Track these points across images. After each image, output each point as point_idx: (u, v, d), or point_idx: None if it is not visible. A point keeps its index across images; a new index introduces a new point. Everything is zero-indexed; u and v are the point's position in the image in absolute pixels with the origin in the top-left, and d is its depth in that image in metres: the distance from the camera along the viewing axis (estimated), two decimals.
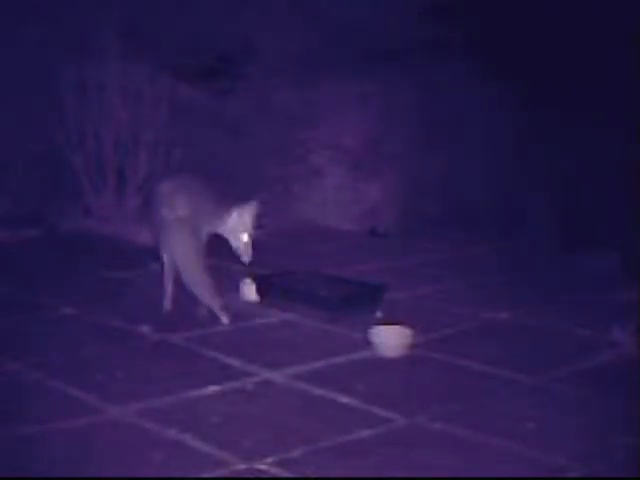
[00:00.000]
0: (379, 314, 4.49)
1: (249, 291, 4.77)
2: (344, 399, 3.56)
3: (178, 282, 4.40)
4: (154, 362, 3.88)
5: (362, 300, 4.62)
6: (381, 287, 4.69)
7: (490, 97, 6.66)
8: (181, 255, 4.32)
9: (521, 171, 6.45)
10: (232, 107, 6.70)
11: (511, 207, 6.33)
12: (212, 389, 3.61)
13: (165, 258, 4.41)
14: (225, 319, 4.33)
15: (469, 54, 6.73)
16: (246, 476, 2.96)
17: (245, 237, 4.42)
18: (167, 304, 4.45)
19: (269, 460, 3.04)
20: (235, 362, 3.90)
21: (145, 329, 4.25)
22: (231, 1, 6.75)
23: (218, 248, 5.71)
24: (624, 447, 3.20)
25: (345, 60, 6.69)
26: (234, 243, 4.47)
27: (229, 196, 4.52)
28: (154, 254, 4.48)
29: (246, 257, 4.46)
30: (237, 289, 4.79)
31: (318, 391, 3.63)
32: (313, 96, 6.76)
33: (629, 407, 3.52)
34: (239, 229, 4.44)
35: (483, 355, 4.04)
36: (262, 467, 3.01)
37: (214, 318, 4.40)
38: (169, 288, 4.44)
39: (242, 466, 3.01)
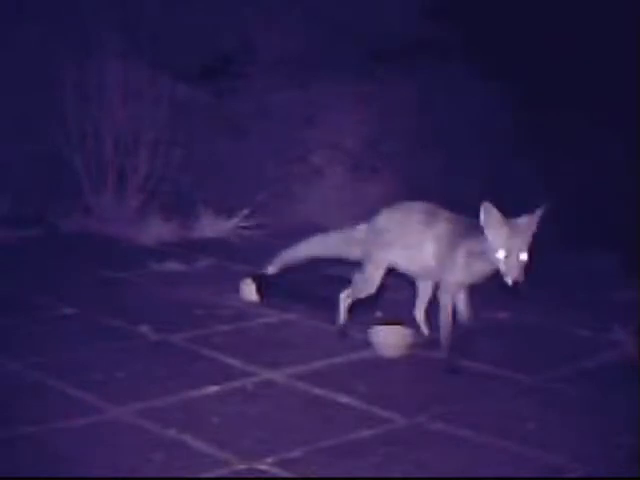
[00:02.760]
0: (379, 314, 4.49)
1: (249, 291, 4.77)
2: (344, 399, 3.56)
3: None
4: (154, 362, 3.88)
5: (362, 300, 4.61)
6: (381, 287, 4.68)
7: (490, 97, 6.66)
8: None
9: (521, 171, 6.45)
10: (232, 107, 6.70)
11: (511, 207, 6.32)
12: (212, 389, 3.61)
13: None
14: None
15: (469, 54, 6.73)
16: (246, 476, 2.97)
17: (502, 253, 3.67)
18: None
19: (269, 460, 3.04)
20: (235, 362, 3.90)
21: (145, 329, 4.25)
22: (231, 1, 6.75)
23: (217, 248, 5.74)
24: (624, 447, 3.20)
25: (345, 60, 6.69)
26: (494, 260, 3.73)
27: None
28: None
29: (509, 278, 3.68)
30: (237, 289, 4.79)
31: (318, 391, 3.63)
32: (313, 96, 6.76)
33: (629, 407, 3.52)
34: (493, 245, 3.71)
35: (483, 355, 4.03)
36: (262, 467, 3.01)
37: (214, 318, 4.42)
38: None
39: (242, 466, 3.01)
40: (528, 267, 3.71)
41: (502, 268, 3.69)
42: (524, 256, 3.70)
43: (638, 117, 5.86)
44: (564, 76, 6.32)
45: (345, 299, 4.22)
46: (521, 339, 4.34)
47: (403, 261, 4.07)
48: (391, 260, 4.09)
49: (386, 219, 4.10)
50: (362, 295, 4.18)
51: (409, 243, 4.00)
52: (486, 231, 3.73)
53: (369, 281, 4.13)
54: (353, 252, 4.21)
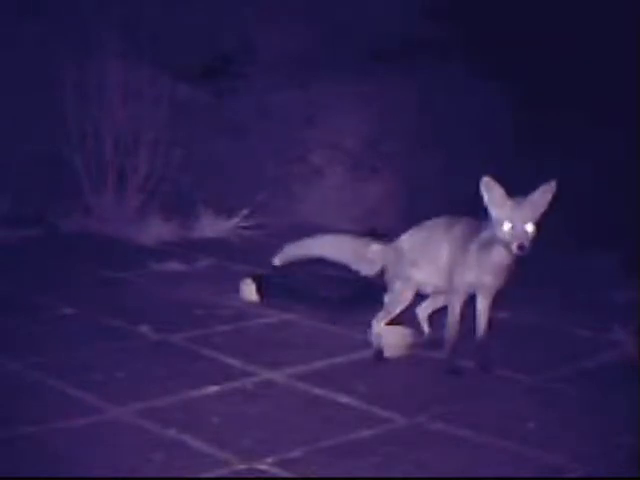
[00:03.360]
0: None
1: (249, 291, 4.77)
2: (344, 399, 3.56)
3: None
4: (154, 362, 3.88)
5: (362, 300, 4.62)
6: (381, 287, 4.68)
7: (490, 97, 6.66)
8: None
9: (520, 171, 6.45)
10: (232, 107, 6.71)
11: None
12: (212, 389, 3.61)
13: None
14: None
15: (469, 54, 6.73)
16: (246, 476, 2.97)
17: (507, 225, 3.59)
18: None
19: (269, 460, 3.04)
20: (235, 362, 3.90)
21: (145, 329, 4.25)
22: (231, 1, 6.76)
23: (217, 248, 5.74)
24: (624, 447, 3.20)
25: (345, 60, 6.69)
26: (501, 236, 3.64)
27: None
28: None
29: (514, 245, 3.58)
30: (237, 289, 4.79)
31: (318, 391, 3.63)
32: (313, 96, 6.76)
33: (629, 407, 3.52)
34: (498, 220, 3.63)
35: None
36: (262, 467, 3.01)
37: (214, 318, 4.41)
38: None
39: (242, 466, 3.01)
40: (534, 240, 3.62)
41: (508, 239, 3.60)
42: (530, 227, 3.60)
43: (638, 117, 5.87)
44: (564, 76, 6.32)
45: (377, 324, 4.02)
46: (521, 339, 4.34)
47: (430, 277, 3.92)
48: (419, 279, 3.95)
49: (410, 240, 3.96)
50: (397, 311, 4.00)
51: (431, 255, 3.89)
52: (490, 209, 3.66)
53: (401, 297, 3.97)
54: (363, 268, 4.11)
